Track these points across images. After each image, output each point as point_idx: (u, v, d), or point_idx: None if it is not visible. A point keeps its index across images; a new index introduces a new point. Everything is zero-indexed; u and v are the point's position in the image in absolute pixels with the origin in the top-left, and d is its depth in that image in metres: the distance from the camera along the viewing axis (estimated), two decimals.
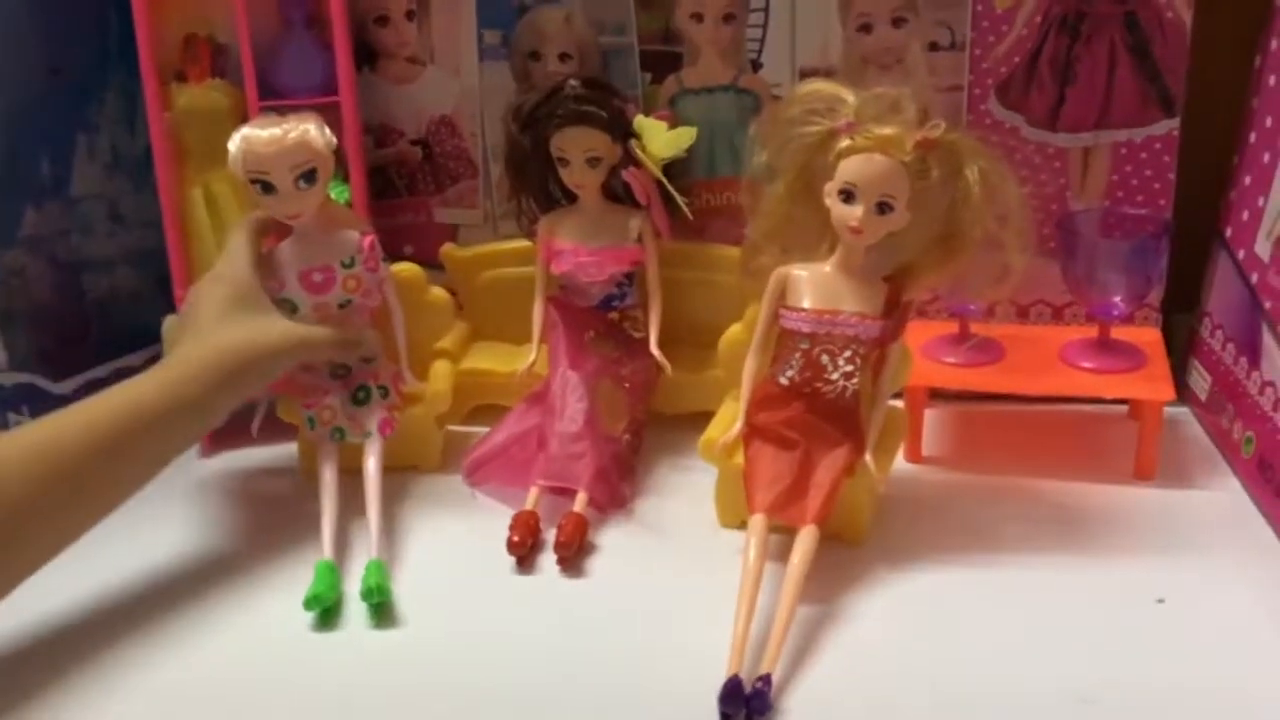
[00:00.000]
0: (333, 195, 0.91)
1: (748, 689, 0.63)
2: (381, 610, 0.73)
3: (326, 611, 0.72)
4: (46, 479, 0.65)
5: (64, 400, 0.93)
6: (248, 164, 0.77)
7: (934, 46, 0.89)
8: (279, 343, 0.77)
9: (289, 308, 0.82)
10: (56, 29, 0.89)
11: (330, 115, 0.91)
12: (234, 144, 0.78)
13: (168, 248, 0.90)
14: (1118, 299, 0.84)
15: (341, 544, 0.78)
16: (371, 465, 0.81)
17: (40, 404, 0.90)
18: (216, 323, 0.76)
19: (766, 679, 0.63)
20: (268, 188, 0.78)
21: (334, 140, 0.79)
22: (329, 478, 0.80)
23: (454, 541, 0.81)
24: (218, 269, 0.79)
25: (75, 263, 0.95)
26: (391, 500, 0.84)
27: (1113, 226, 0.87)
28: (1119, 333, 0.86)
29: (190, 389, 0.73)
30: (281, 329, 0.78)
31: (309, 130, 0.78)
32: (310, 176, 0.78)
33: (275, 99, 0.90)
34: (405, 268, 0.89)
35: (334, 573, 0.74)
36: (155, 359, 0.96)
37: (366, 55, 0.96)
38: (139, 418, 0.70)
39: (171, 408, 0.71)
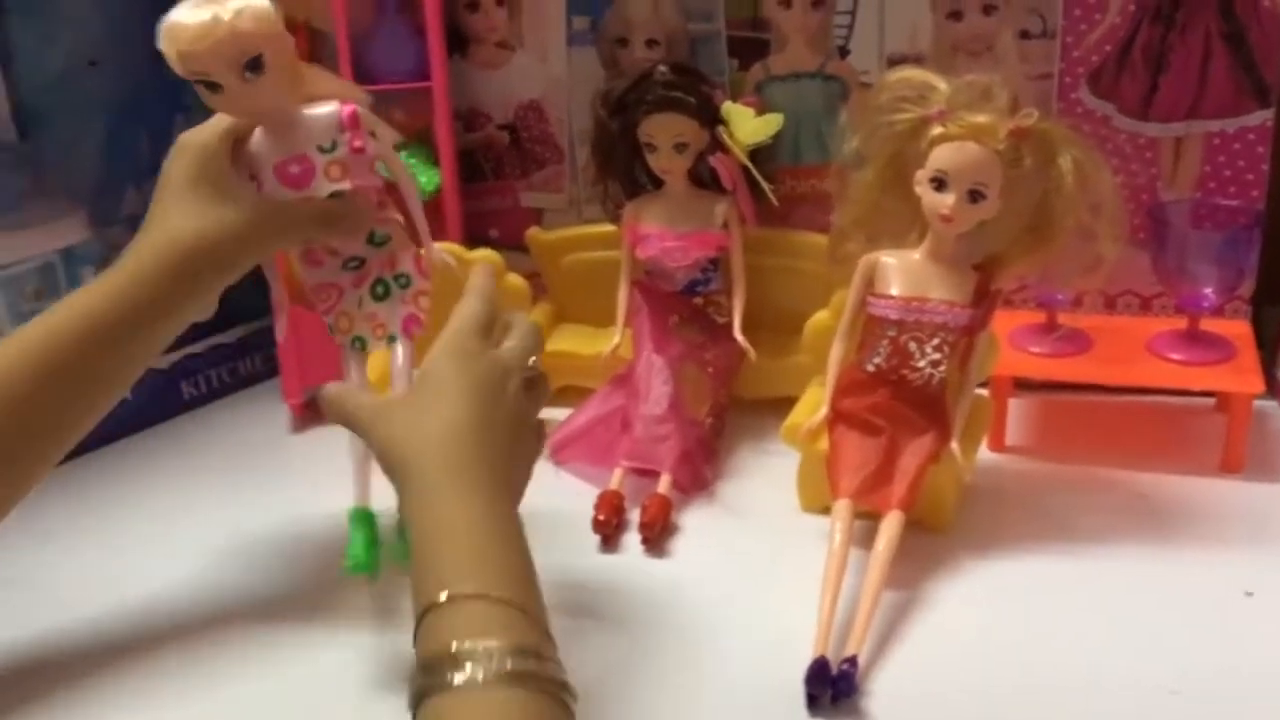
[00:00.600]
0: (421, 182, 0.93)
1: (833, 670, 0.63)
2: None
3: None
4: None
5: (164, 374, 0.96)
6: (185, 64, 0.63)
7: (1025, 34, 0.89)
8: (240, 229, 0.65)
9: None
10: (153, 23, 0.92)
11: (422, 100, 0.93)
12: (161, 41, 0.63)
13: None
14: (1208, 290, 0.83)
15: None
16: (399, 369, 0.70)
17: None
18: (175, 206, 0.65)
19: (852, 660, 0.64)
20: (213, 87, 0.64)
21: (277, 18, 0.65)
22: None
23: (538, 519, 0.82)
24: (184, 136, 0.68)
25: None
26: None
27: (1204, 217, 0.86)
28: (1208, 325, 0.86)
29: (143, 292, 0.64)
30: (243, 212, 0.66)
31: (242, 11, 0.63)
32: (256, 65, 0.63)
33: (370, 83, 0.91)
34: (481, 254, 0.90)
35: (369, 524, 0.70)
36: (252, 335, 1.01)
37: (457, 41, 0.97)
38: (91, 334, 0.63)
39: (125, 318, 0.64)
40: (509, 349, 0.64)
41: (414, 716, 0.50)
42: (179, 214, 0.65)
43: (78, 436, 0.66)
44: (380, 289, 0.72)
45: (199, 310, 0.67)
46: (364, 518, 0.70)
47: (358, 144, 0.68)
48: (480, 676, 0.49)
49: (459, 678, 0.49)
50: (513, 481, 0.62)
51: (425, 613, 0.53)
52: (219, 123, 0.67)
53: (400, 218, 0.72)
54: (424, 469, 0.58)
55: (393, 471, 0.60)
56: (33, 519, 0.83)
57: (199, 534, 0.80)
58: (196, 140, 0.67)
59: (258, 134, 0.68)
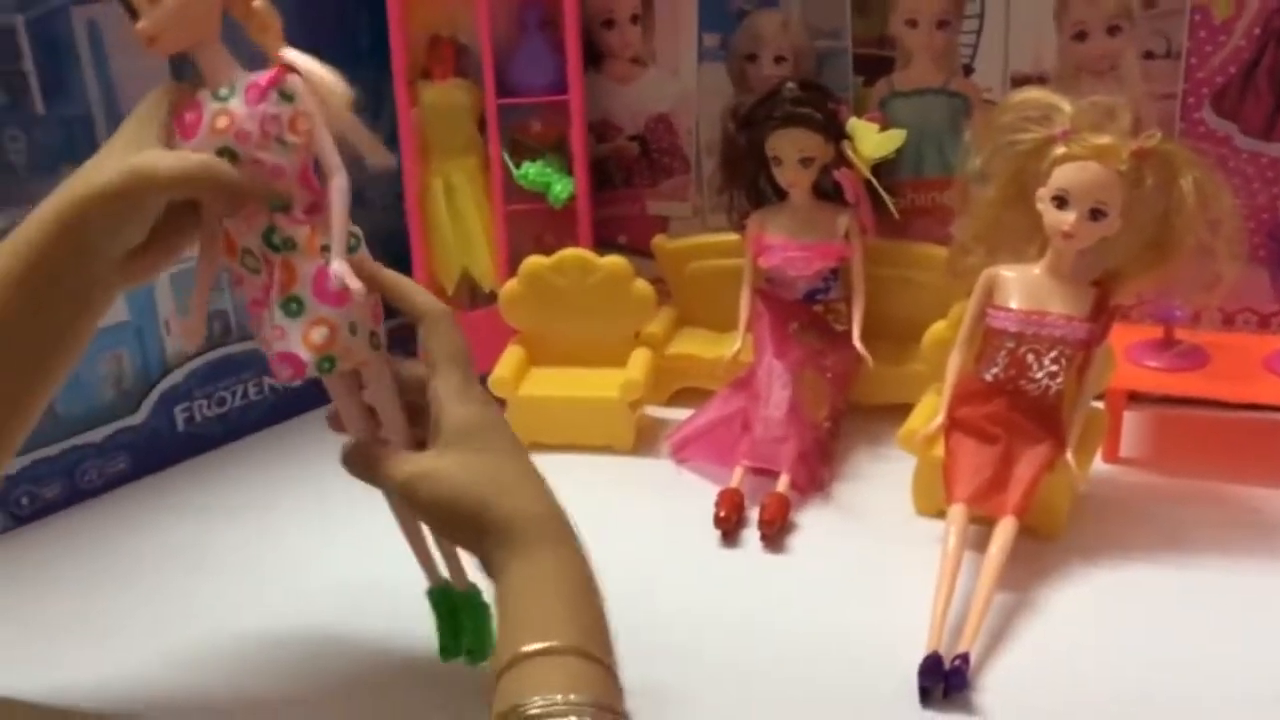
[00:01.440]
0: (556, 190, 0.98)
1: (946, 665, 0.66)
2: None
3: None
4: None
5: None
6: None
7: (1149, 54, 0.90)
8: (105, 178, 0.59)
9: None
10: (313, 31, 0.98)
11: (559, 112, 0.98)
12: None
13: (408, 231, 0.98)
14: None
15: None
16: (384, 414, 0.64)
17: None
18: (88, 163, 0.61)
19: (965, 657, 0.67)
20: (131, 11, 0.58)
21: None
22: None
23: (658, 516, 0.86)
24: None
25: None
26: (591, 478, 0.86)
27: None
28: None
29: (21, 247, 0.59)
30: (117, 162, 0.59)
31: None
32: None
33: (511, 97, 0.97)
34: (611, 261, 0.94)
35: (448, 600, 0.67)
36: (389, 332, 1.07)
37: (593, 56, 1.02)
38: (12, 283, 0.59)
39: (29, 262, 0.59)
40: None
41: None
42: (84, 171, 0.61)
43: (42, 388, 0.63)
44: (293, 305, 0.60)
45: (93, 275, 0.61)
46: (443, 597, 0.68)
47: (254, 98, 0.58)
48: None
49: None
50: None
51: (516, 661, 0.54)
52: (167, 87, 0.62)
53: (322, 231, 0.60)
54: (512, 519, 0.58)
55: (471, 527, 0.59)
56: (195, 495, 0.90)
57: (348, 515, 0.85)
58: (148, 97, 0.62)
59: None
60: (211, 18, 0.59)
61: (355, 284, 0.59)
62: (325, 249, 0.60)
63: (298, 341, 0.59)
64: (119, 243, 0.61)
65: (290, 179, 0.59)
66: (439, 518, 0.61)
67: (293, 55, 0.59)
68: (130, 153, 0.59)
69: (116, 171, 0.59)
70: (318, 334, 0.59)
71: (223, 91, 0.59)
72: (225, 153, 0.58)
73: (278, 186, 0.59)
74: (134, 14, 0.58)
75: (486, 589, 0.62)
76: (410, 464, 0.61)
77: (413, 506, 0.62)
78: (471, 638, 0.68)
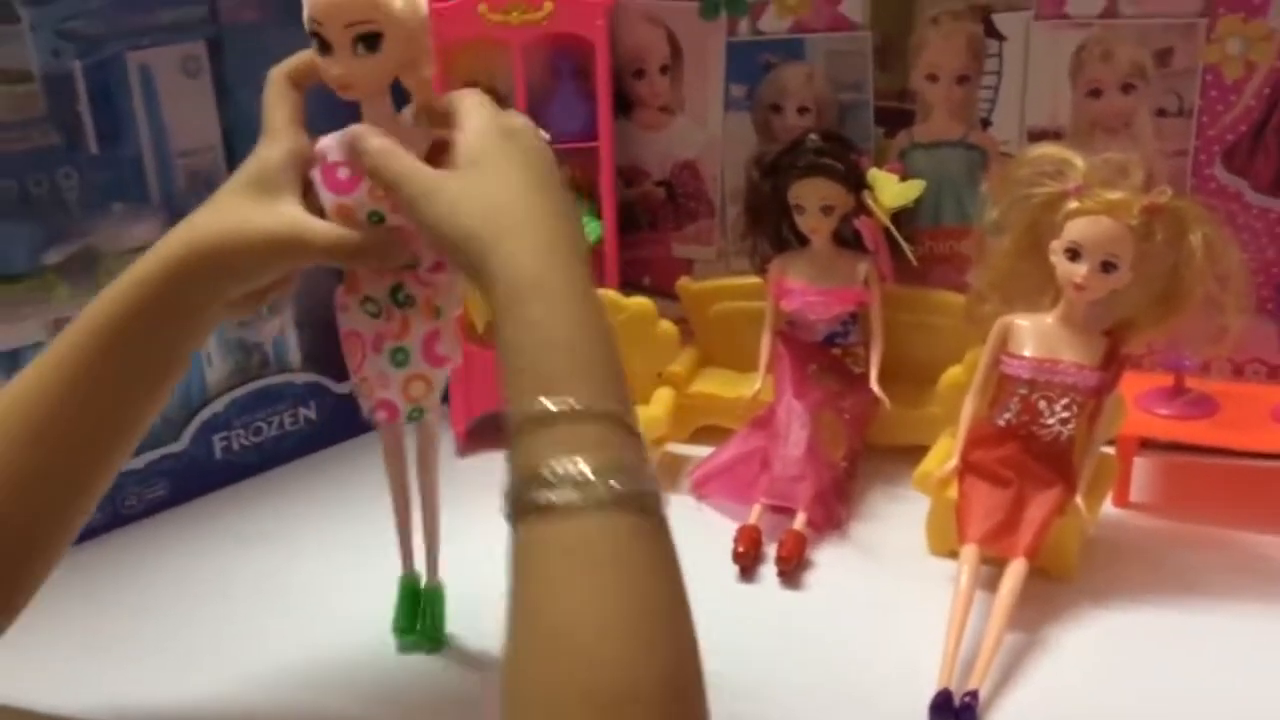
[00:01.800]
0: (586, 231, 1.02)
1: (956, 702, 0.68)
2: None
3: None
4: (20, 438, 0.60)
5: (345, 398, 1.06)
6: (310, 11, 0.62)
7: (1162, 112, 0.93)
8: (257, 232, 0.61)
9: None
10: None
11: (590, 158, 1.02)
12: None
13: None
14: None
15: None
16: (422, 451, 0.71)
17: (324, 400, 1.02)
18: (212, 204, 0.63)
19: (974, 694, 0.69)
20: (324, 45, 0.62)
21: (423, 13, 0.63)
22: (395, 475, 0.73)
23: (679, 550, 0.88)
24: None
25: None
26: None
27: None
28: None
29: (146, 290, 0.61)
30: (269, 217, 0.61)
31: None
32: (371, 42, 0.61)
33: None
34: (637, 302, 0.97)
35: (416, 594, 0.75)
36: None
37: (623, 104, 1.05)
38: (95, 336, 0.61)
39: (126, 316, 0.61)
40: (530, 126, 0.63)
41: (513, 532, 0.49)
42: (215, 215, 0.62)
43: (128, 434, 0.64)
44: (399, 356, 0.68)
45: (210, 312, 0.64)
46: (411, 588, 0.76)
47: None
48: (585, 498, 0.48)
49: (566, 498, 0.47)
50: (589, 267, 0.58)
51: (526, 420, 0.50)
52: (276, 113, 0.65)
53: (440, 292, 0.67)
54: (516, 255, 0.54)
55: (469, 253, 0.56)
56: (233, 521, 0.92)
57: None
58: (260, 149, 0.64)
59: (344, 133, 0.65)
60: (389, 76, 0.64)
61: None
62: (439, 311, 0.67)
63: (398, 391, 0.68)
64: (245, 285, 0.63)
65: (421, 241, 0.65)
66: (437, 243, 0.59)
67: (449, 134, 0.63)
68: (263, 202, 0.62)
69: (276, 224, 0.61)
70: (417, 388, 0.68)
71: None
72: (374, 215, 0.64)
73: (412, 248, 0.65)
74: (325, 49, 0.62)
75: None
76: (423, 176, 0.59)
77: (418, 226, 0.60)
78: (428, 627, 0.75)
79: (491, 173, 0.58)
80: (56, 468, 0.61)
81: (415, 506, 0.75)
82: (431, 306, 0.67)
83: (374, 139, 0.62)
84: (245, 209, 0.62)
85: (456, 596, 0.77)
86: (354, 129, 0.64)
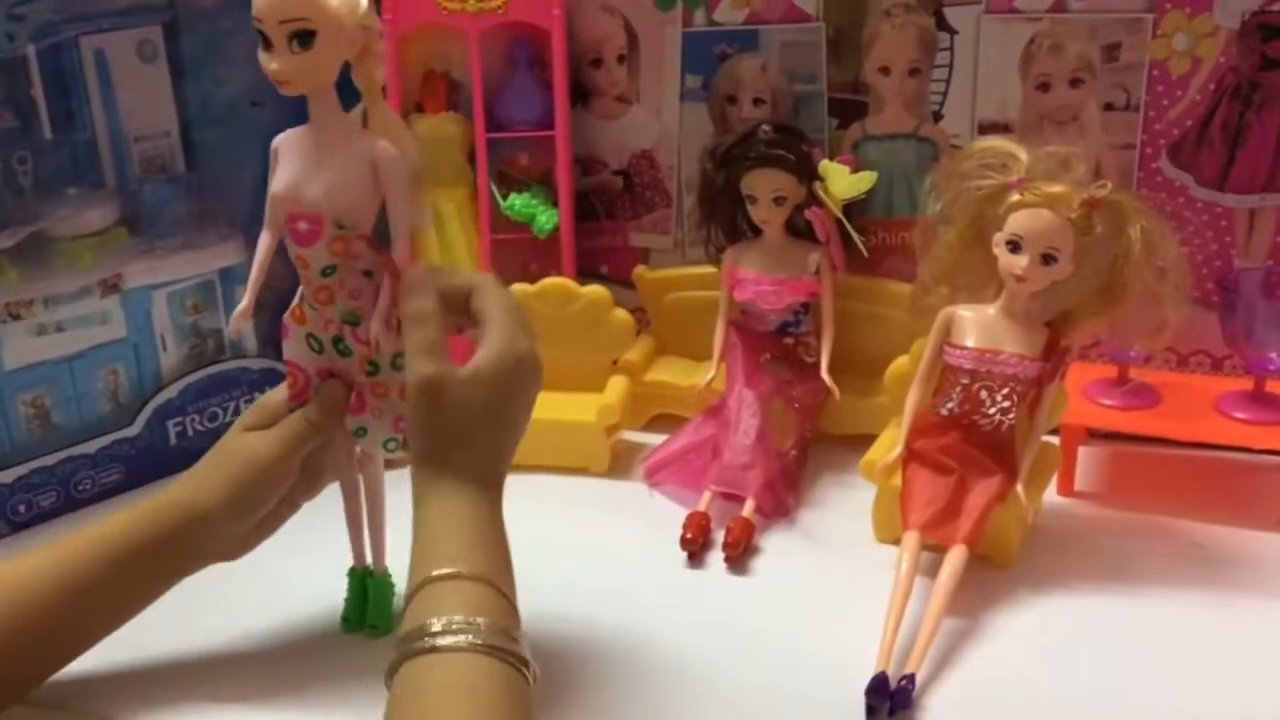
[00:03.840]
0: (541, 221, 1.02)
1: (893, 685, 0.69)
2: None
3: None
4: (15, 631, 0.67)
5: None
6: (253, 8, 0.63)
7: (1109, 106, 0.94)
8: (243, 466, 0.71)
9: None
10: None
11: (546, 146, 1.02)
12: None
13: None
14: (1274, 355, 0.87)
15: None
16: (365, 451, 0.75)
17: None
18: (209, 468, 0.72)
19: (911, 678, 0.70)
20: (265, 41, 0.64)
21: (362, 12, 0.64)
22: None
23: (629, 536, 0.90)
24: (262, 400, 0.75)
25: None
26: (567, 499, 0.93)
27: (1275, 286, 0.90)
28: (1274, 386, 0.90)
29: (146, 538, 0.70)
30: (249, 446, 0.72)
31: None
32: (305, 39, 0.63)
33: (500, 131, 1.01)
34: (592, 290, 0.98)
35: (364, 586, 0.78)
36: None
37: (580, 94, 1.06)
38: (105, 558, 0.69)
39: (132, 551, 0.70)
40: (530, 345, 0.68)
41: (392, 680, 0.58)
42: (205, 480, 0.71)
43: (101, 635, 0.71)
44: (370, 367, 0.72)
45: (193, 562, 0.72)
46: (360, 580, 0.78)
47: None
48: (457, 642, 0.57)
49: (440, 642, 0.57)
50: (508, 465, 0.68)
51: (420, 588, 0.60)
52: (288, 427, 0.72)
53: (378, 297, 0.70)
54: (449, 470, 0.65)
55: (421, 450, 0.65)
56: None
57: None
58: (261, 431, 0.72)
59: (290, 147, 0.68)
60: (334, 71, 0.66)
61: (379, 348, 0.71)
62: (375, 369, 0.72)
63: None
64: (250, 513, 0.72)
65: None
66: (410, 424, 0.66)
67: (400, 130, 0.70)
68: (243, 438, 0.73)
69: (254, 456, 0.71)
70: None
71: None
72: (327, 269, 0.69)
73: (355, 306, 0.71)
74: (267, 44, 0.64)
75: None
76: (434, 368, 0.65)
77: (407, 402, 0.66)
78: (375, 615, 0.77)
79: (484, 394, 0.65)
80: (40, 654, 0.69)
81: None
82: (365, 362, 0.72)
83: (419, 300, 0.67)
84: (220, 455, 0.72)
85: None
86: (414, 275, 0.69)
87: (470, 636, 0.57)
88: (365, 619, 0.77)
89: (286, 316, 0.72)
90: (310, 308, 0.71)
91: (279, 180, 0.69)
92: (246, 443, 0.72)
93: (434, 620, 0.58)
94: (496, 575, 0.62)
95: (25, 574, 0.68)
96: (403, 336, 0.67)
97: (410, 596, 0.61)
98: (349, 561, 0.78)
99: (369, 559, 0.78)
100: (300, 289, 0.72)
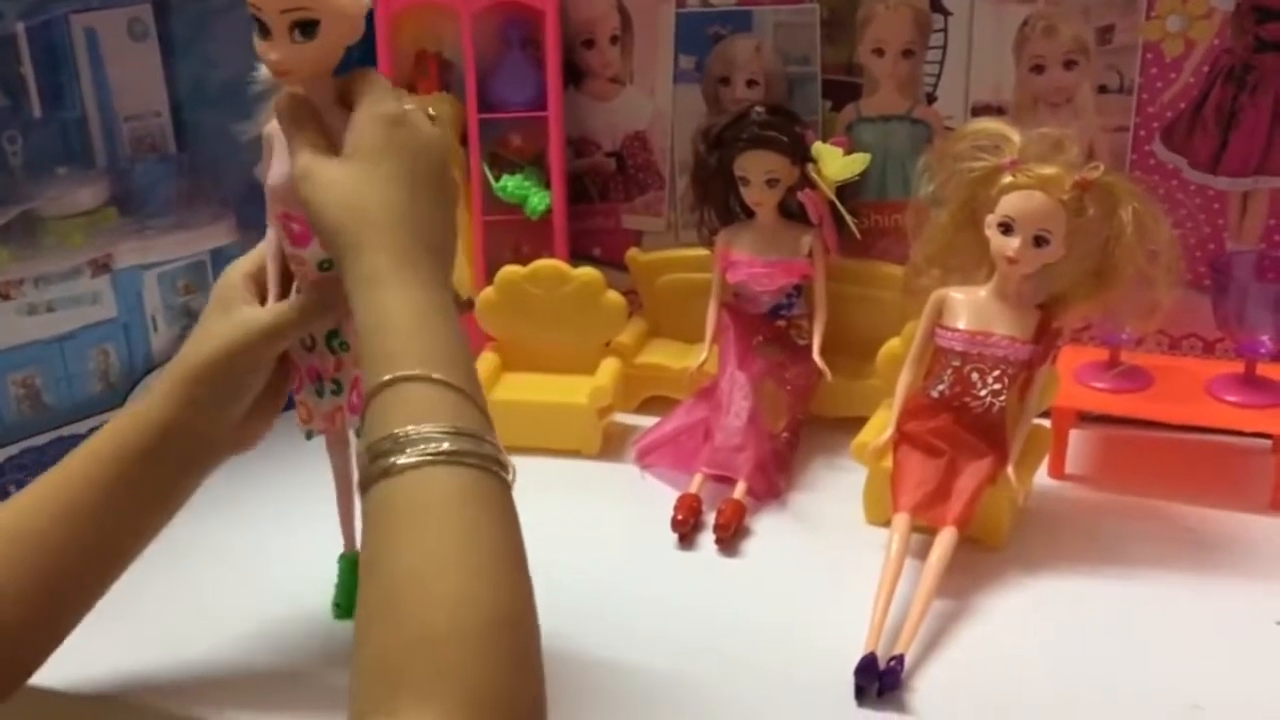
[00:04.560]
0: (533, 202, 1.02)
1: (882, 665, 0.70)
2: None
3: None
4: (25, 565, 0.64)
5: None
6: None
7: (1103, 89, 0.94)
8: (219, 344, 0.67)
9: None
10: None
11: (539, 127, 1.02)
12: None
13: None
14: (1265, 338, 0.87)
15: None
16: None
17: None
18: (193, 332, 0.69)
19: (900, 659, 0.70)
20: (263, 29, 0.61)
21: (360, 7, 0.62)
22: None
23: (620, 518, 0.90)
24: (227, 268, 0.71)
25: None
26: (559, 481, 0.92)
27: (1267, 269, 0.90)
28: (1265, 370, 0.90)
29: (154, 413, 0.67)
30: (226, 327, 0.67)
31: None
32: (308, 29, 0.61)
33: (492, 112, 1.00)
34: (584, 272, 0.98)
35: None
36: None
37: (573, 74, 1.06)
38: (121, 454, 0.66)
39: (146, 436, 0.67)
40: (421, 113, 0.64)
41: (363, 501, 0.54)
42: (192, 339, 0.68)
43: (131, 551, 0.69)
44: (334, 387, 0.72)
45: (209, 425, 0.68)
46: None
47: None
48: (421, 458, 0.52)
49: (402, 460, 0.52)
50: (447, 257, 0.63)
51: (371, 397, 0.55)
52: (244, 263, 0.69)
53: None
54: (369, 253, 0.58)
55: (334, 245, 0.60)
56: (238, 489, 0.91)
57: None
58: (227, 274, 0.69)
59: (276, 140, 0.65)
60: (336, 60, 0.64)
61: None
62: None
63: (325, 417, 0.73)
64: (233, 396, 0.68)
65: None
66: (310, 222, 0.62)
67: None
68: (221, 318, 0.68)
69: (231, 330, 0.67)
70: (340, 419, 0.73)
71: None
72: (324, 264, 0.67)
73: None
74: (264, 32, 0.62)
75: None
76: (306, 158, 0.61)
77: (298, 200, 0.62)
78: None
79: (367, 165, 0.61)
80: (51, 590, 0.65)
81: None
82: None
83: (287, 119, 0.63)
84: (209, 329, 0.68)
85: None
86: (278, 98, 0.64)
87: (427, 446, 0.53)
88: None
89: None
90: None
91: (275, 173, 0.66)
92: (230, 320, 0.67)
93: (389, 434, 0.53)
94: (444, 368, 0.55)
95: (24, 510, 0.65)
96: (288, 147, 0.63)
97: (365, 405, 0.56)
98: (338, 548, 0.77)
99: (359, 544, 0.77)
100: (295, 284, 0.69)
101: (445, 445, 0.53)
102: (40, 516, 0.65)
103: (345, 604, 0.76)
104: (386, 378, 0.55)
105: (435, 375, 0.55)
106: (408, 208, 0.60)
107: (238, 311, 0.67)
